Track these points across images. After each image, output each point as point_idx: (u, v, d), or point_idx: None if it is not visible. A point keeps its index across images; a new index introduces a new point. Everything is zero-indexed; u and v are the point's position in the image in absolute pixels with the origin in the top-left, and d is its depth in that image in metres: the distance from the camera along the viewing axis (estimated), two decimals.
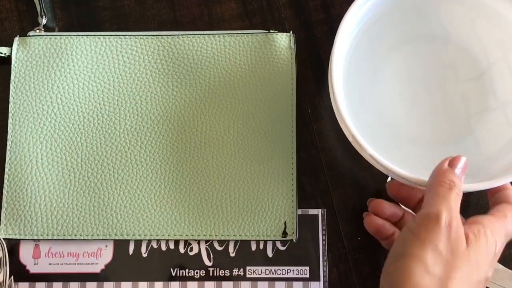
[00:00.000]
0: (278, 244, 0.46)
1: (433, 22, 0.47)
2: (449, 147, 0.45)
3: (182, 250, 0.46)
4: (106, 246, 0.46)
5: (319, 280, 0.46)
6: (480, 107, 0.46)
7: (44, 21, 0.49)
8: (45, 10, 0.49)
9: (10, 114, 0.47)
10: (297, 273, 0.46)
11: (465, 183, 0.38)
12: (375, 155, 0.39)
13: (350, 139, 0.40)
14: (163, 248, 0.46)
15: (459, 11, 0.46)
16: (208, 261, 0.46)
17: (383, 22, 0.46)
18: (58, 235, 0.45)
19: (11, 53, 0.48)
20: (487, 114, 0.46)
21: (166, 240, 0.46)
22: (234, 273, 0.46)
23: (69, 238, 0.45)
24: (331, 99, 0.41)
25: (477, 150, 0.45)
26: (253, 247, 0.46)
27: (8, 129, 0.47)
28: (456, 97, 0.46)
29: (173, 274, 0.46)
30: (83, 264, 0.46)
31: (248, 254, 0.46)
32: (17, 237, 0.45)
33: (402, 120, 0.46)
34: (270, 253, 0.46)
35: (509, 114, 0.45)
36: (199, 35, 0.48)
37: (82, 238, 0.45)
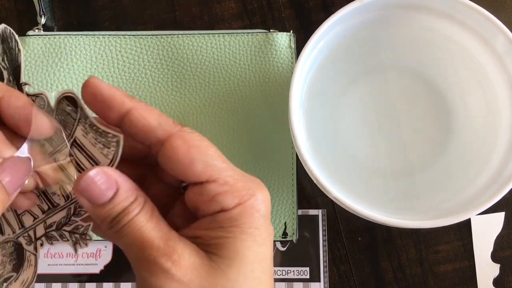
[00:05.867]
0: (278, 245, 0.46)
1: (391, 52, 0.46)
2: (413, 178, 0.45)
3: None
4: (106, 246, 0.46)
5: (319, 281, 0.45)
6: (443, 138, 0.45)
7: (43, 20, 0.49)
8: (44, 10, 0.49)
9: None
10: (298, 273, 0.45)
11: (427, 219, 0.36)
12: (340, 197, 0.38)
13: (314, 181, 0.39)
14: None
15: (417, 40, 0.45)
16: None
17: (339, 56, 0.44)
18: None
19: None
20: (450, 144, 0.45)
21: None
22: None
23: None
24: (293, 142, 0.39)
25: (440, 182, 0.44)
26: None
27: None
28: (419, 127, 0.46)
29: None
30: (82, 264, 0.46)
31: None
32: None
33: (367, 153, 0.45)
34: None
35: (470, 143, 0.44)
36: (199, 35, 0.48)
37: None
